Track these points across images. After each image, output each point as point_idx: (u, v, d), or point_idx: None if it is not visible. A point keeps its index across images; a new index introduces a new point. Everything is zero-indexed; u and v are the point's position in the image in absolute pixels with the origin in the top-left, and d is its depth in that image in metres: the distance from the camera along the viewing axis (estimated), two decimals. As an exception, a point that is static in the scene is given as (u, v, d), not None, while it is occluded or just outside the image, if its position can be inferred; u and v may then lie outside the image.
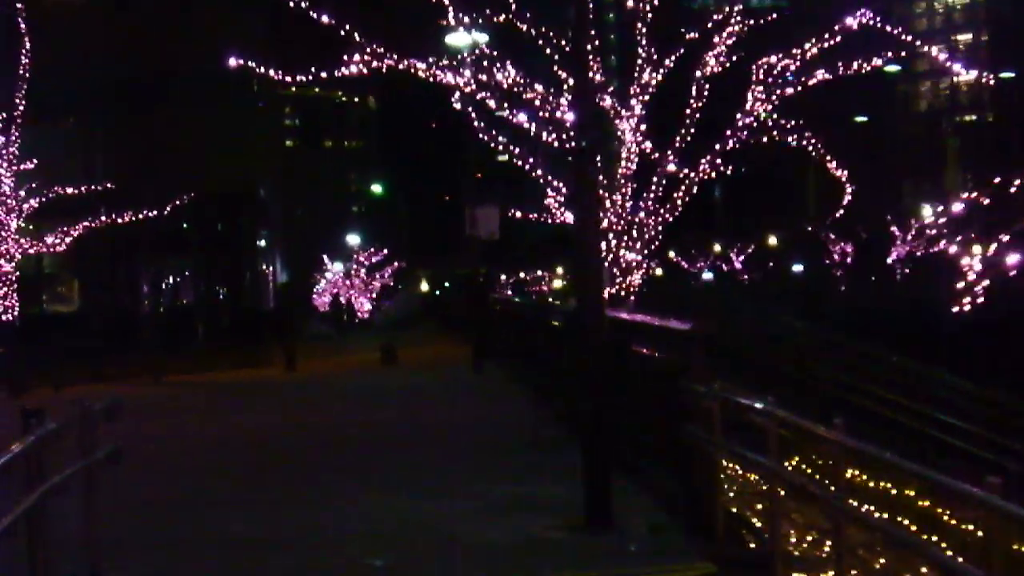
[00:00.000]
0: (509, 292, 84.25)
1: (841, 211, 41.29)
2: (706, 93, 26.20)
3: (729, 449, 11.48)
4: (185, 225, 67.81)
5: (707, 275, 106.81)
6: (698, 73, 26.10)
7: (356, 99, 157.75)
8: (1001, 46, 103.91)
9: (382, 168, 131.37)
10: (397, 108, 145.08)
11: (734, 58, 26.02)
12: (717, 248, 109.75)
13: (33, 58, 42.54)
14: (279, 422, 24.07)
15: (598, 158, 12.60)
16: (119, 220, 48.73)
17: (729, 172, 28.02)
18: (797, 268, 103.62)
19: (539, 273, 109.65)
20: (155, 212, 49.95)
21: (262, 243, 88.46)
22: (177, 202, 52.09)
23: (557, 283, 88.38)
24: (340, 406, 26.68)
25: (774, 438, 10.18)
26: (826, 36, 24.78)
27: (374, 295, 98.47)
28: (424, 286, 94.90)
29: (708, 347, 11.75)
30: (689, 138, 26.38)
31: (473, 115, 26.41)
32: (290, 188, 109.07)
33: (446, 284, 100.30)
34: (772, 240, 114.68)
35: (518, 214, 32.58)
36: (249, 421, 24.58)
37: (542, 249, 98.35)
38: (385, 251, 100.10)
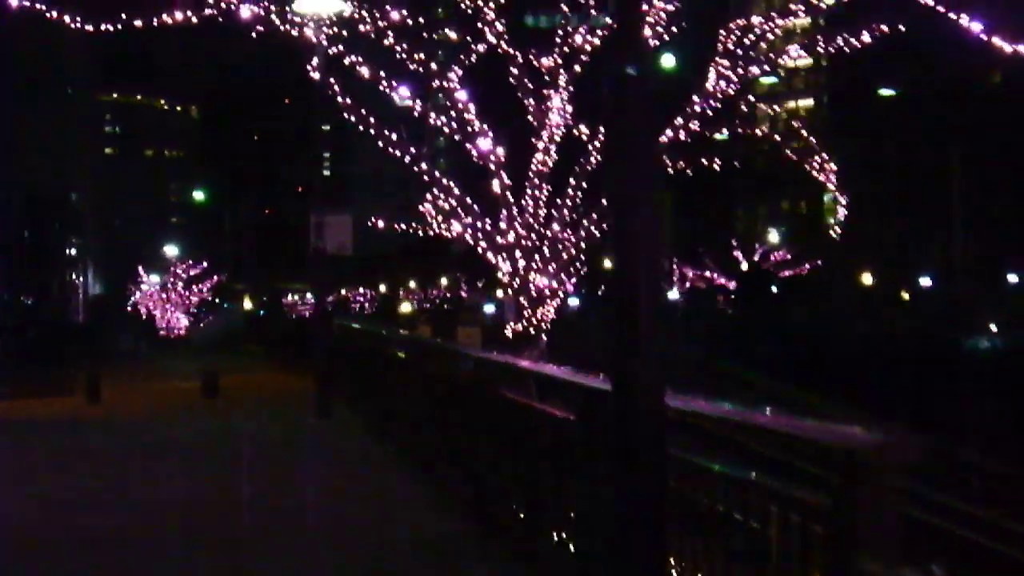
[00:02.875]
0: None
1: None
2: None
3: None
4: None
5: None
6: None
7: (178, 107, 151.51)
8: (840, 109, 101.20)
9: (205, 178, 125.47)
10: (221, 117, 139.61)
11: (675, 29, 20.15)
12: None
13: None
14: (59, 498, 17.54)
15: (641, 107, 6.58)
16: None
17: (686, 171, 21.94)
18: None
19: (385, 291, 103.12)
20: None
21: (73, 252, 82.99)
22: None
23: (405, 306, 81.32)
24: (147, 467, 20.26)
25: None
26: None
27: (192, 310, 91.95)
28: (247, 303, 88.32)
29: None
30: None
31: (335, 89, 20.42)
32: (107, 196, 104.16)
33: (270, 301, 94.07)
34: (607, 263, 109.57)
35: (380, 223, 26.56)
36: (16, 497, 18.00)
37: (398, 263, 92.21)
38: (205, 264, 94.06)
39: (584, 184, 20.56)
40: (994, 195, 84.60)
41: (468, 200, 20.66)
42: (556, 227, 20.63)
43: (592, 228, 20.84)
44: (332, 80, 20.17)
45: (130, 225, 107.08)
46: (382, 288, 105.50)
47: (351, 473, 18.66)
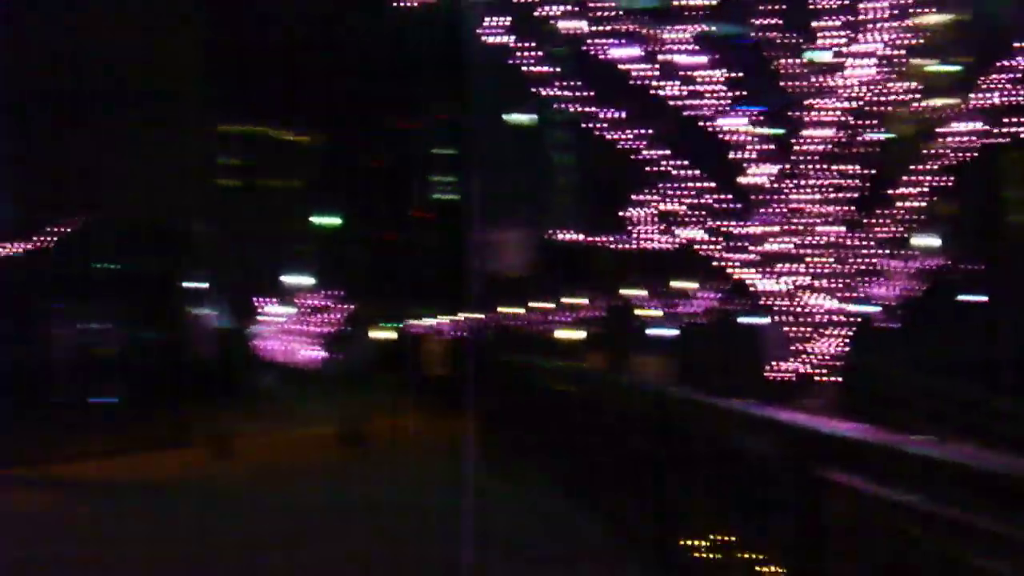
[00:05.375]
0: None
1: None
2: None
3: None
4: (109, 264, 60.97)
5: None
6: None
7: (301, 137, 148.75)
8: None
9: (330, 206, 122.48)
10: (347, 140, 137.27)
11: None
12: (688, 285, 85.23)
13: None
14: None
15: None
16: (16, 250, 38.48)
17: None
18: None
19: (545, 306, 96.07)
20: (63, 243, 40.40)
21: (197, 285, 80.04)
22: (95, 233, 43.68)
23: (569, 332, 73.36)
24: (279, 560, 15.33)
25: None
26: None
27: (323, 342, 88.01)
28: (384, 333, 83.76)
29: None
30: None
31: (530, 55, 15.53)
32: (228, 228, 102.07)
33: (404, 330, 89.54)
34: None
35: (567, 236, 21.62)
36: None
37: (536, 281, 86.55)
38: (334, 293, 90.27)
39: (874, 168, 15.36)
40: None
41: (716, 196, 15.69)
42: (837, 228, 15.49)
43: (890, 225, 15.61)
44: (526, 45, 15.30)
45: (254, 256, 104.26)
46: (516, 310, 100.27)
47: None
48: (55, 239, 38.71)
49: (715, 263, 16.38)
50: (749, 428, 10.34)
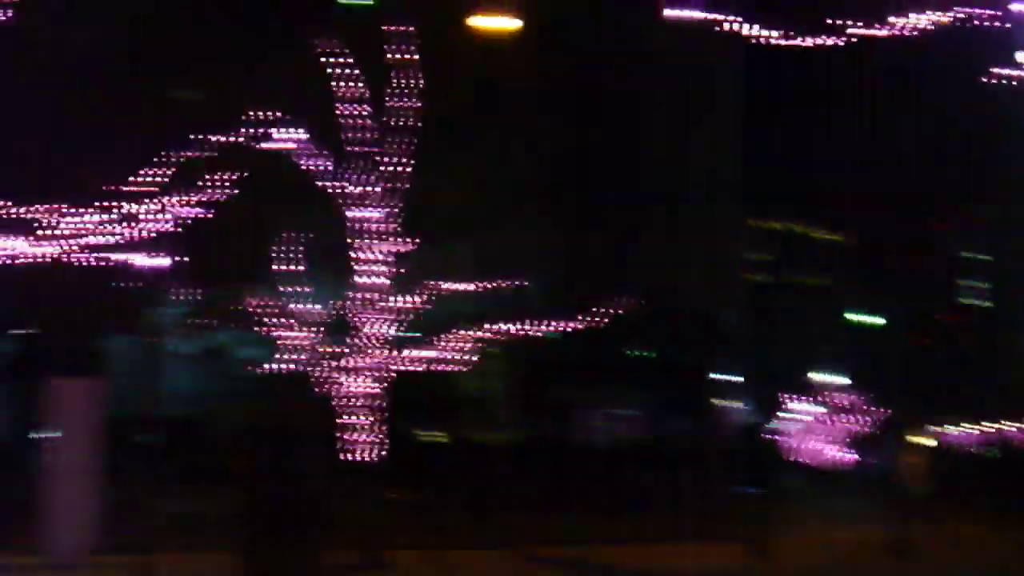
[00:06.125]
0: None
1: None
2: None
3: None
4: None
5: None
6: None
7: (831, 235, 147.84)
8: None
9: (861, 304, 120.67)
10: (878, 239, 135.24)
11: None
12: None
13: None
14: None
15: None
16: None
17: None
18: None
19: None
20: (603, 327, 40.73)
21: (727, 377, 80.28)
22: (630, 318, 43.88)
23: None
24: None
25: None
26: None
27: (852, 444, 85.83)
28: (918, 439, 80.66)
29: None
30: None
31: None
32: (758, 321, 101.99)
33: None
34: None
35: None
36: None
37: None
38: (865, 393, 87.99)
39: None
40: None
41: None
42: None
43: None
44: None
45: (782, 351, 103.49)
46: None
47: None
48: (597, 322, 38.78)
49: None
50: None
